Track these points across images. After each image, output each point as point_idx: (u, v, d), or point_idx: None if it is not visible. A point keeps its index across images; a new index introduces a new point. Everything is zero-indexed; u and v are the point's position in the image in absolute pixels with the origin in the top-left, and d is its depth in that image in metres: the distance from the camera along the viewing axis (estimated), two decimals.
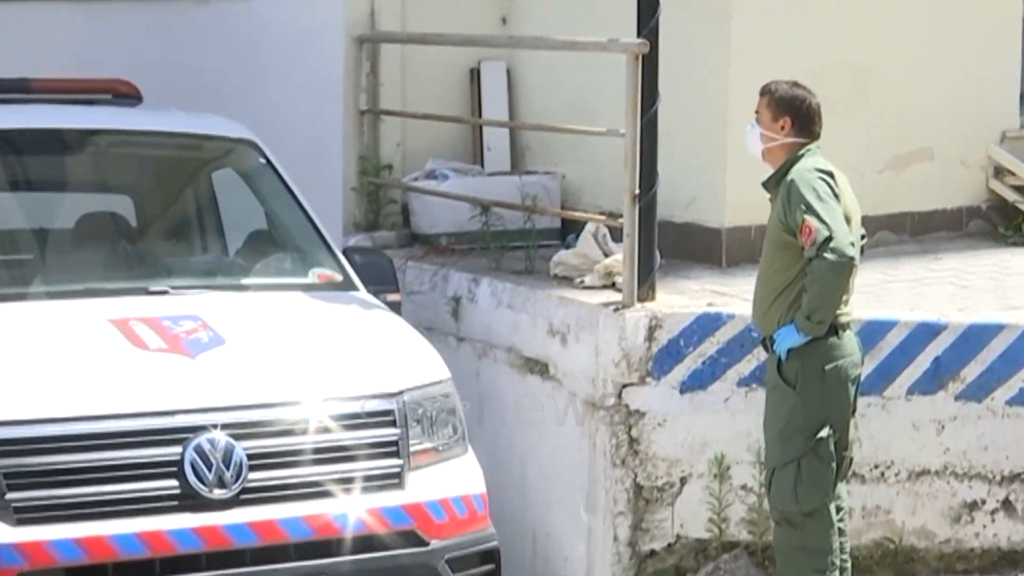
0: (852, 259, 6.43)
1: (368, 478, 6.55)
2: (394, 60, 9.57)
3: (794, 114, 6.74)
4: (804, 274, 6.48)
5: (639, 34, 7.71)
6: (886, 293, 8.17)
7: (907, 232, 9.43)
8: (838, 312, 6.55)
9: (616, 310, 7.75)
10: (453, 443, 6.95)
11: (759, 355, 7.23)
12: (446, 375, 7.07)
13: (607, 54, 8.07)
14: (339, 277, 7.82)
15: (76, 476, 6.25)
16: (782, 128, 6.73)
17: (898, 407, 7.62)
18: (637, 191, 7.72)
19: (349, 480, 6.51)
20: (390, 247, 9.38)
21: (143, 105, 8.66)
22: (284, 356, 6.88)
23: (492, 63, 9.80)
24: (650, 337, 7.64)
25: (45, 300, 7.22)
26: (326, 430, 6.56)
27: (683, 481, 7.65)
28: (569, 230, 8.89)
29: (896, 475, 7.65)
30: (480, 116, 9.79)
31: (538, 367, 8.19)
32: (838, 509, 6.77)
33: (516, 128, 9.83)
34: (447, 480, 6.79)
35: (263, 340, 6.99)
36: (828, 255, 6.35)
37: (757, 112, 6.83)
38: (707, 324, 7.59)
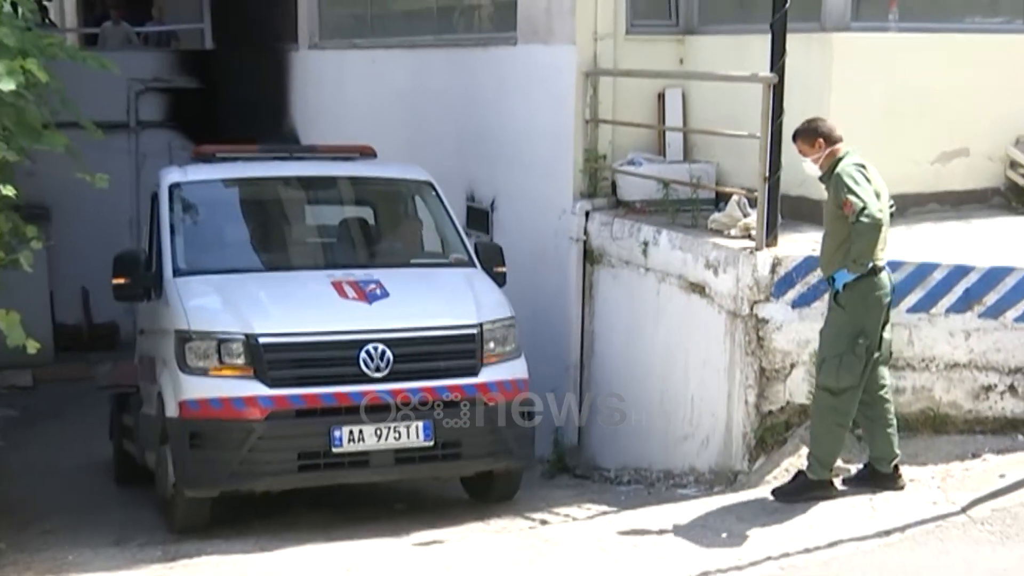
0: (880, 220, 6.44)
1: (456, 368, 7.66)
2: (608, 87, 9.49)
3: (820, 135, 6.76)
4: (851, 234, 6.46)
5: (771, 70, 7.58)
6: (934, 245, 7.94)
7: (949, 204, 9.11)
8: (875, 259, 6.52)
9: (751, 252, 7.66)
10: (511, 351, 7.93)
11: None
12: (511, 313, 8.04)
13: (749, 84, 7.94)
14: (465, 258, 8.66)
15: (302, 363, 7.48)
16: (819, 146, 6.74)
17: (939, 321, 7.44)
18: (767, 174, 7.62)
19: (446, 369, 7.64)
20: (603, 209, 9.36)
21: (377, 159, 9.50)
22: (420, 302, 8.02)
23: (672, 89, 9.65)
24: (773, 270, 7.54)
25: (305, 270, 8.43)
26: (436, 343, 7.71)
27: (792, 366, 7.53)
28: (721, 199, 8.77)
29: (937, 366, 7.46)
30: (664, 123, 9.69)
31: (698, 289, 8.11)
32: (883, 386, 6.74)
33: (687, 132, 9.70)
34: (503, 371, 7.82)
35: (411, 293, 8.06)
36: (863, 219, 6.38)
37: (801, 151, 6.85)
38: (811, 263, 7.44)
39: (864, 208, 6.37)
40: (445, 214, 8.93)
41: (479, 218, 10.76)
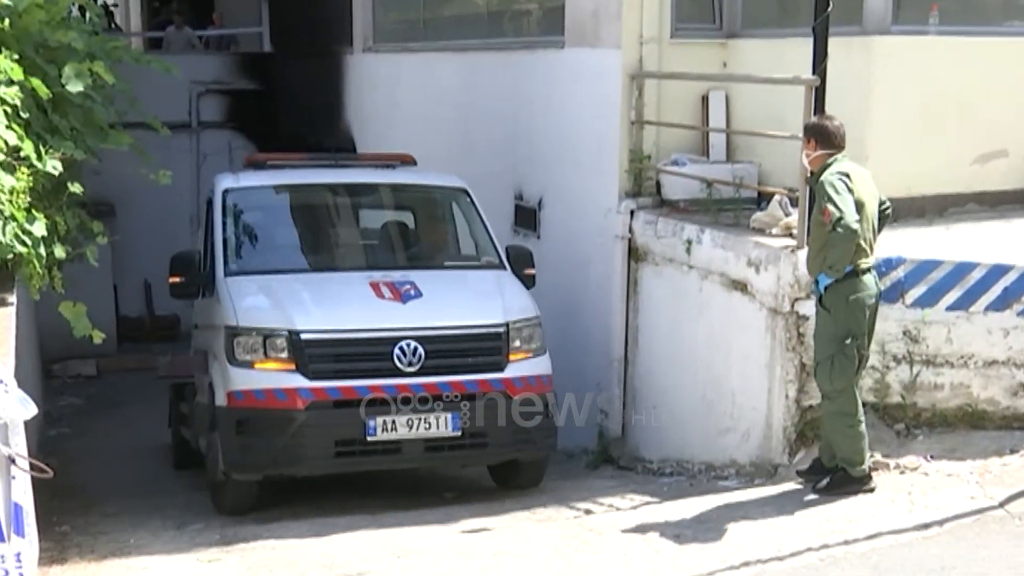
0: (854, 231, 6.39)
1: (483, 364, 7.82)
2: (653, 89, 9.44)
3: (816, 135, 6.73)
4: None
5: (813, 72, 7.50)
6: (973, 244, 7.84)
7: (988, 204, 9.01)
8: (860, 261, 6.51)
9: (792, 251, 7.59)
10: (536, 349, 8.08)
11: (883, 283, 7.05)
12: (536, 313, 8.19)
13: (791, 86, 7.87)
14: (496, 261, 8.75)
15: (340, 357, 7.65)
16: (812, 146, 6.72)
17: (978, 319, 7.34)
18: (808, 174, 7.56)
19: (474, 365, 7.80)
20: (647, 208, 9.29)
21: (416, 167, 9.76)
22: (451, 303, 8.15)
23: (716, 91, 9.57)
24: None
25: (346, 271, 8.55)
26: (465, 340, 7.87)
27: None
28: (762, 199, 8.71)
29: (975, 363, 7.36)
30: (707, 125, 9.62)
31: (740, 286, 8.04)
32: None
33: (730, 133, 9.62)
34: (527, 368, 7.98)
35: (443, 294, 8.19)
36: (839, 229, 6.36)
37: (804, 143, 6.85)
38: None
39: (840, 219, 6.38)
40: (478, 219, 9.12)
41: (527, 217, 10.75)
